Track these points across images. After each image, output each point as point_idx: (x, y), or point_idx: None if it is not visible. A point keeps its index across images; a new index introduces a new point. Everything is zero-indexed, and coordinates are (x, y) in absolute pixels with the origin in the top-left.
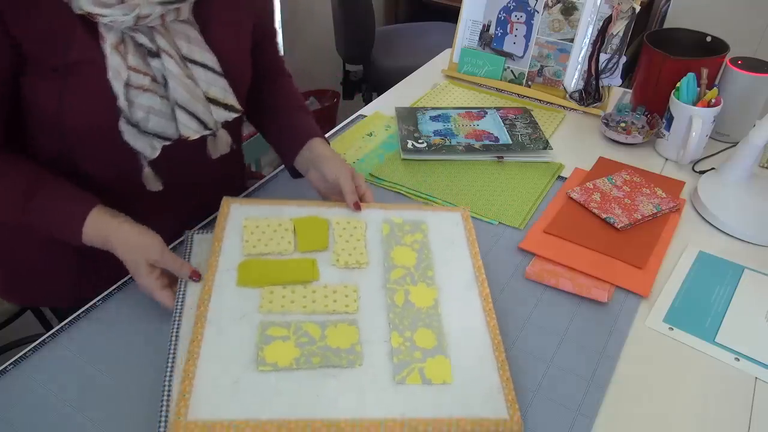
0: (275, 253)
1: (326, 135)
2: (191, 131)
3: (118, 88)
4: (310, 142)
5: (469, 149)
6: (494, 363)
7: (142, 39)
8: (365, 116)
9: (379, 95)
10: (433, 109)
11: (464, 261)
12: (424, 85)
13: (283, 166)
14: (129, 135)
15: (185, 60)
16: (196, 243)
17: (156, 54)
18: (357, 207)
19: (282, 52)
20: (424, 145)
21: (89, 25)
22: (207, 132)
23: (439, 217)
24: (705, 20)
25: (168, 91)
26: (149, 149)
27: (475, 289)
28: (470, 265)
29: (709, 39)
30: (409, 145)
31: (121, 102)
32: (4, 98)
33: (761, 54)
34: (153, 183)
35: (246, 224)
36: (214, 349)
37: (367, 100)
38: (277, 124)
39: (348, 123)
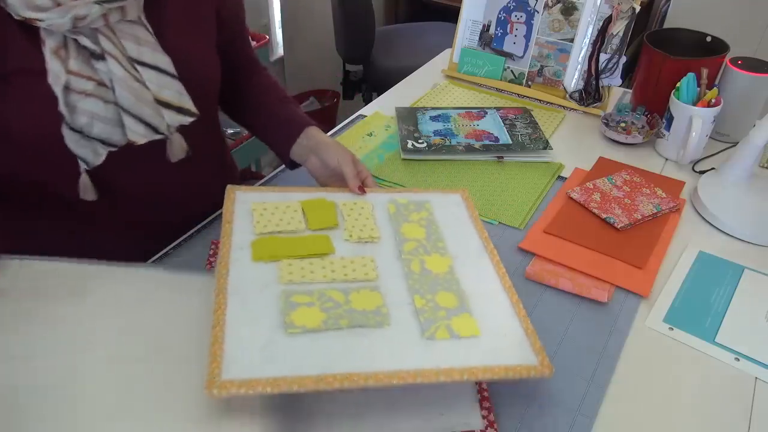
0: (287, 231)
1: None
2: (138, 136)
3: (58, 93)
4: (307, 130)
5: (469, 149)
6: (516, 318)
7: (86, 41)
8: (365, 116)
9: (379, 95)
10: (433, 109)
11: (471, 234)
12: (424, 85)
13: (283, 166)
14: (71, 141)
15: (133, 62)
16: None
17: (100, 56)
18: (361, 191)
19: (282, 52)
20: (424, 145)
21: (30, 31)
22: (157, 136)
23: (440, 198)
24: (705, 20)
25: (116, 95)
26: (92, 155)
27: (486, 256)
28: (477, 237)
29: (709, 39)
30: (409, 145)
31: (61, 107)
32: None
33: (761, 54)
34: (89, 192)
35: (254, 207)
36: (240, 316)
37: (367, 100)
38: (265, 119)
39: (348, 123)
